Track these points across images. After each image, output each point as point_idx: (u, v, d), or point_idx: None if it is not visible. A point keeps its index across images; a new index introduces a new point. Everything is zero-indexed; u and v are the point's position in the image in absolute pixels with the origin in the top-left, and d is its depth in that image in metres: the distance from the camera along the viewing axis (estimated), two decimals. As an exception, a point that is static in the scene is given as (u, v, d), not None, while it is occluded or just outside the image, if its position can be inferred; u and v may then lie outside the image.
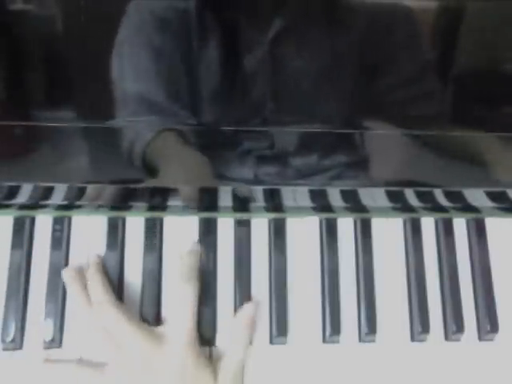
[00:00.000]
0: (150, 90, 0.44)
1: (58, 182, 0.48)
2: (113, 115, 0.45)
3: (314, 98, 0.46)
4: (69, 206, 0.53)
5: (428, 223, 0.57)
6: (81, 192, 0.50)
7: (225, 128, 0.46)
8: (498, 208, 0.56)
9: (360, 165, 0.50)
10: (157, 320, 0.51)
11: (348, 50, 0.44)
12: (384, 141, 0.48)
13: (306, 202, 0.53)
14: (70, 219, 0.53)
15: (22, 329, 0.50)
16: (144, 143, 0.46)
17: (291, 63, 0.44)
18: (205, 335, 0.51)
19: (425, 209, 0.56)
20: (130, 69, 0.44)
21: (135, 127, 0.45)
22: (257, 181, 0.49)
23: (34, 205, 0.52)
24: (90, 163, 0.48)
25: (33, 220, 0.53)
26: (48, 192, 0.50)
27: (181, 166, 0.48)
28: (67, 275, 0.51)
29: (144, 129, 0.46)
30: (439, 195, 0.53)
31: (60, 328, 0.51)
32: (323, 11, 0.43)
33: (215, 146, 0.47)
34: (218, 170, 0.48)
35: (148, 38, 0.43)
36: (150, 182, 0.48)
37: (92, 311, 0.49)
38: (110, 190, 0.50)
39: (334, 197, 0.52)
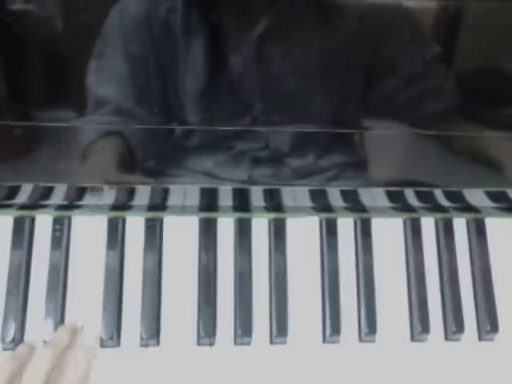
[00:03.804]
0: (133, 92, 0.44)
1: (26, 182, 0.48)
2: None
3: (305, 97, 0.46)
4: (69, 206, 0.53)
5: (428, 223, 0.57)
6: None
7: (216, 128, 0.46)
8: (498, 208, 0.56)
9: (358, 165, 0.50)
10: (157, 320, 0.51)
11: (337, 48, 0.44)
12: (381, 141, 0.48)
13: (306, 202, 0.53)
14: (69, 219, 0.53)
15: (21, 329, 0.50)
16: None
17: (279, 62, 0.44)
18: (205, 335, 0.51)
19: (425, 209, 0.56)
20: (114, 72, 0.44)
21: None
22: (252, 182, 0.49)
23: (34, 205, 0.52)
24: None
25: (33, 220, 0.53)
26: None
27: None
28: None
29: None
30: (439, 195, 0.53)
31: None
32: (311, 9, 0.43)
33: (208, 146, 0.48)
34: (212, 170, 0.48)
35: (133, 40, 0.43)
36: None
37: None
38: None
39: (334, 197, 0.52)
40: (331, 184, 0.50)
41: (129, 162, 0.48)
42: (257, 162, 0.48)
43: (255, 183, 0.49)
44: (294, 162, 0.48)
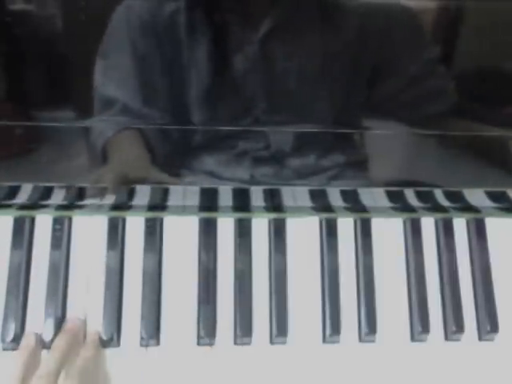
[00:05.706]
0: (138, 92, 0.44)
1: (43, 182, 0.48)
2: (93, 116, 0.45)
3: (307, 97, 0.46)
4: (69, 206, 0.53)
5: (428, 223, 0.57)
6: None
7: (219, 128, 0.46)
8: (498, 208, 0.56)
9: (359, 165, 0.50)
10: (157, 320, 0.51)
11: (341, 48, 0.44)
12: (382, 141, 0.48)
13: (306, 201, 0.53)
14: (70, 219, 0.53)
15: (21, 329, 0.50)
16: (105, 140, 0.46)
17: (282, 62, 0.44)
18: (205, 335, 0.51)
19: (425, 209, 0.56)
20: (117, 71, 0.44)
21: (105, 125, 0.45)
22: (253, 181, 0.49)
23: (34, 205, 0.52)
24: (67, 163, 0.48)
25: (33, 220, 0.53)
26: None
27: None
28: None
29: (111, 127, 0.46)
30: (439, 195, 0.53)
31: (60, 328, 0.50)
32: (315, 9, 0.43)
33: (211, 146, 0.48)
34: (215, 170, 0.48)
35: (138, 40, 0.43)
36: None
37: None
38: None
39: (334, 197, 0.53)
40: (332, 184, 0.50)
41: (131, 163, 0.48)
42: (259, 161, 0.48)
43: (257, 183, 0.49)
44: (296, 162, 0.49)
